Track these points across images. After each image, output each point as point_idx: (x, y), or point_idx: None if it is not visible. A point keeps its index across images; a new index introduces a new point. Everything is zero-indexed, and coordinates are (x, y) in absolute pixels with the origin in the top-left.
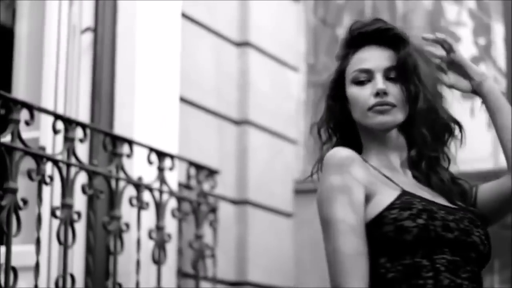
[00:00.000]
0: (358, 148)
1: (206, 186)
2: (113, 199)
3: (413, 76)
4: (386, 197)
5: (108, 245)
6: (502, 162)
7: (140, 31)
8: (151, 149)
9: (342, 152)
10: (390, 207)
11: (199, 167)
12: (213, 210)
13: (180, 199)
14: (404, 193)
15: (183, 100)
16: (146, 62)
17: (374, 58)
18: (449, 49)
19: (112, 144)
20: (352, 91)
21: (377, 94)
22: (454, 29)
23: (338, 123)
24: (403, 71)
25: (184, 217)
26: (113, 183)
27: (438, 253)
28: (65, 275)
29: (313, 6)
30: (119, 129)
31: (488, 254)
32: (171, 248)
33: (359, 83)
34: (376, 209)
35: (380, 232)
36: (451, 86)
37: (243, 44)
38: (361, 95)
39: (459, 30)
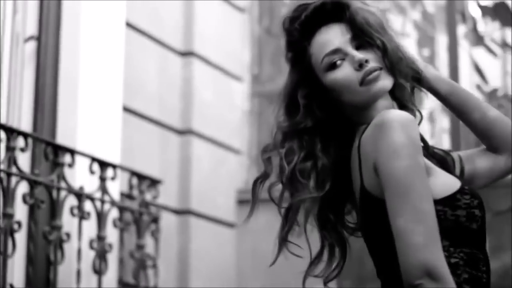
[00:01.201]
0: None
1: (148, 196)
2: (54, 208)
3: (373, 33)
4: (447, 178)
5: (48, 255)
6: None
7: (84, 40)
8: (93, 159)
9: (409, 115)
10: (462, 191)
11: (141, 177)
12: (155, 220)
13: (121, 209)
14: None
15: (126, 109)
16: (89, 71)
17: (333, 36)
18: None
19: (54, 154)
20: (332, 77)
21: (360, 65)
22: (398, 40)
23: (317, 122)
24: (363, 34)
25: (126, 227)
26: (54, 192)
27: (484, 247)
28: (5, 285)
29: (258, 16)
30: (61, 139)
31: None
32: (112, 258)
33: (333, 66)
34: (445, 188)
35: (453, 214)
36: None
37: (187, 53)
38: (344, 76)
39: (404, 41)
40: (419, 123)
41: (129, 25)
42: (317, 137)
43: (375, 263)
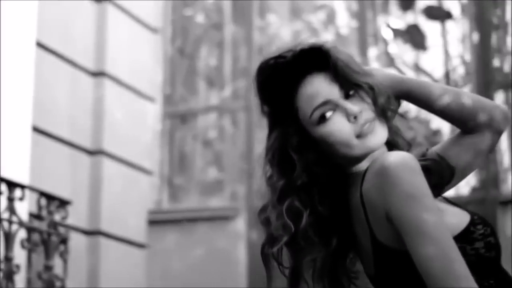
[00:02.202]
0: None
1: (57, 217)
2: None
3: (358, 78)
4: (455, 212)
5: None
6: None
7: None
8: (1, 179)
9: (408, 155)
10: (473, 222)
11: (50, 197)
12: (64, 240)
13: (30, 230)
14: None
15: (36, 129)
16: None
17: (320, 87)
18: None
19: None
20: (325, 130)
21: (355, 117)
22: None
23: (313, 175)
24: (349, 81)
25: (34, 247)
26: None
27: (503, 269)
28: None
29: (171, 36)
30: None
31: None
32: (20, 279)
33: (324, 118)
34: (458, 224)
35: (472, 248)
36: None
37: (99, 74)
38: (339, 129)
39: None
40: (408, 151)
41: (39, 44)
42: (313, 190)
43: None
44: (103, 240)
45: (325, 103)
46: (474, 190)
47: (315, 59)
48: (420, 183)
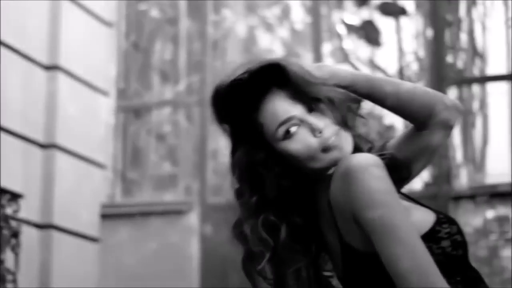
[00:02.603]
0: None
1: (9, 210)
2: None
3: (318, 91)
4: (421, 212)
5: None
6: None
7: None
8: None
9: (371, 156)
10: (439, 221)
11: (1, 191)
12: (15, 234)
13: None
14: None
15: None
16: None
17: (283, 103)
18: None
19: None
20: (291, 146)
21: (320, 132)
22: (266, 57)
23: (283, 188)
24: (308, 96)
25: None
26: None
27: (471, 265)
28: None
29: (125, 31)
30: None
31: None
32: None
33: (288, 134)
34: (424, 223)
35: (438, 247)
36: None
37: (52, 67)
38: (304, 145)
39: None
40: (370, 151)
41: None
42: (285, 201)
43: None
44: (56, 234)
45: (290, 119)
46: (426, 185)
47: (273, 76)
48: (384, 184)
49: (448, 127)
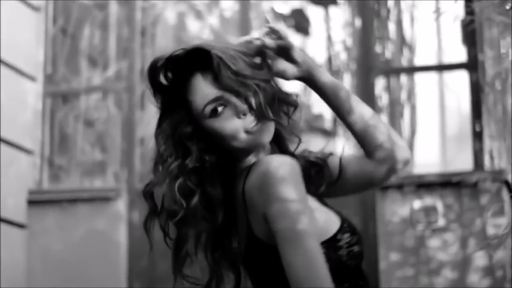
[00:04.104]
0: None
1: None
2: None
3: (243, 81)
4: (327, 218)
5: None
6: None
7: None
8: None
9: (290, 161)
10: (342, 229)
11: None
12: None
13: None
14: (339, 213)
15: None
16: None
17: (209, 84)
18: (278, 36)
19: None
20: (216, 125)
21: (244, 114)
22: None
23: (205, 161)
24: (233, 85)
25: None
26: None
27: (363, 273)
28: None
29: (53, 15)
30: None
31: None
32: None
33: (215, 112)
34: (326, 230)
35: (336, 255)
36: (278, 74)
37: None
38: (229, 124)
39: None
40: (297, 146)
41: None
42: (204, 173)
43: None
44: None
45: (217, 99)
46: None
47: (206, 57)
48: (296, 193)
49: (393, 171)
